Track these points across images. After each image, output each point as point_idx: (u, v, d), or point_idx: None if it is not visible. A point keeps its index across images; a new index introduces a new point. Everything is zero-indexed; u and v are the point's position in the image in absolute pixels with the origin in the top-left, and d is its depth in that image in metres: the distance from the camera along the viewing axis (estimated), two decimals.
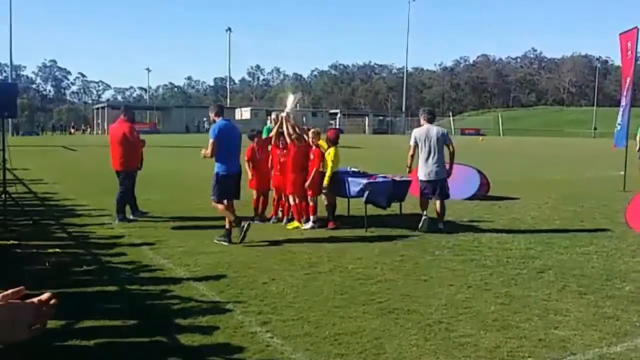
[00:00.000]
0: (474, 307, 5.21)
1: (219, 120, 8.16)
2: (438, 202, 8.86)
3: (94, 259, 7.06)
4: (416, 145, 8.90)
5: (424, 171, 8.86)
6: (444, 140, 8.86)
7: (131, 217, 9.77)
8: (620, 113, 14.92)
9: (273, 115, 10.47)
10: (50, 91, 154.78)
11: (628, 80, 14.66)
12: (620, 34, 14.89)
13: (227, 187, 8.02)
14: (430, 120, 9.14)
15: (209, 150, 7.92)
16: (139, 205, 10.10)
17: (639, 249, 7.63)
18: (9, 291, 1.25)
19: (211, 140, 7.92)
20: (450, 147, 8.91)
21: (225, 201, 8.07)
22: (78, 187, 10.25)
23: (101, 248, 7.60)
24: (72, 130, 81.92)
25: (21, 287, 1.25)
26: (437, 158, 8.80)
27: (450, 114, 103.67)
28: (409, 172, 9.31)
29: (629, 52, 14.53)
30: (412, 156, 9.01)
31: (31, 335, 1.23)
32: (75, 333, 4.52)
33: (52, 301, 1.28)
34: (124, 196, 9.68)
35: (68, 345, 4.32)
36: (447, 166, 8.92)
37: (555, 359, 4.12)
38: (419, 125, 9.27)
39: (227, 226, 7.96)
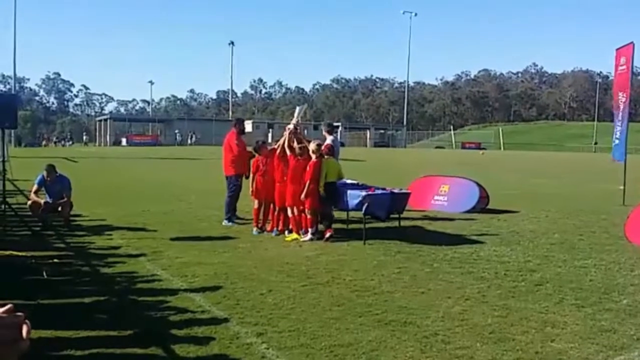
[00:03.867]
0: (471, 320, 5.20)
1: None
2: None
3: (92, 270, 7.06)
4: None
5: None
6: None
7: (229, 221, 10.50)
8: (618, 128, 14.94)
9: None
10: (53, 103, 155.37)
11: (623, 94, 14.70)
12: (617, 49, 14.97)
13: None
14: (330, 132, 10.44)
15: None
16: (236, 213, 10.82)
17: (637, 263, 7.61)
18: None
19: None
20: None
21: None
22: (77, 198, 10.25)
23: (99, 258, 7.60)
24: (45, 142, 74.10)
25: (10, 305, 1.21)
26: None
27: (452, 127, 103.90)
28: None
29: (623, 67, 14.59)
30: None
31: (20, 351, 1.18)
32: (71, 343, 4.51)
33: (7, 307, 1.20)
34: (231, 199, 10.59)
35: (62, 355, 4.31)
36: None
37: None
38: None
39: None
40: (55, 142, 76.54)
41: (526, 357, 4.34)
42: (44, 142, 72.63)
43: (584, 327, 5.04)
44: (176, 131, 73.59)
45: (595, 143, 76.87)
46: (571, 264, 7.53)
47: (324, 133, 10.74)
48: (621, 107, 14.78)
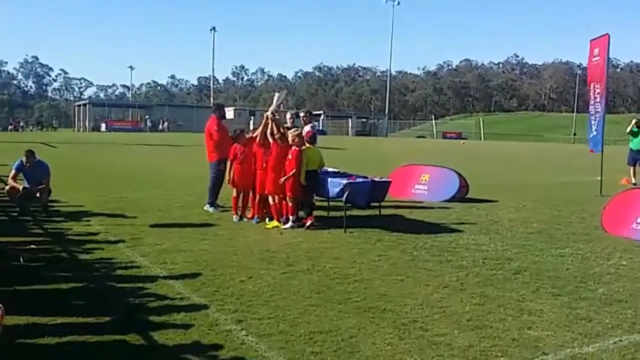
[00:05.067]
0: (449, 307, 5.25)
1: None
2: None
3: (70, 256, 6.99)
4: None
5: None
6: None
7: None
8: (595, 119, 15.06)
9: (288, 115, 10.65)
10: (31, 87, 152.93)
11: (598, 85, 14.83)
12: (591, 41, 15.09)
13: None
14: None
15: None
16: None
17: (613, 252, 7.73)
18: None
19: None
20: None
21: None
22: (56, 184, 10.14)
23: (77, 245, 7.52)
24: (12, 127, 69.00)
25: None
26: None
27: (433, 117, 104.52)
28: None
29: (596, 58, 14.72)
30: None
31: None
32: (47, 330, 4.46)
33: None
34: (214, 185, 10.61)
35: (38, 343, 4.26)
36: None
37: (528, 358, 4.15)
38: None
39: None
40: (22, 127, 73.65)
41: (503, 344, 4.39)
42: (10, 127, 69.18)
43: (560, 315, 5.11)
44: (147, 117, 72.95)
45: (574, 134, 77.77)
46: (548, 253, 7.63)
47: (301, 121, 10.71)
48: (597, 98, 14.91)
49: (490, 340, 4.47)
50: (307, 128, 9.99)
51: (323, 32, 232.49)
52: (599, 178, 14.44)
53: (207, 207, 10.44)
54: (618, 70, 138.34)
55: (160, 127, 69.70)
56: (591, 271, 6.71)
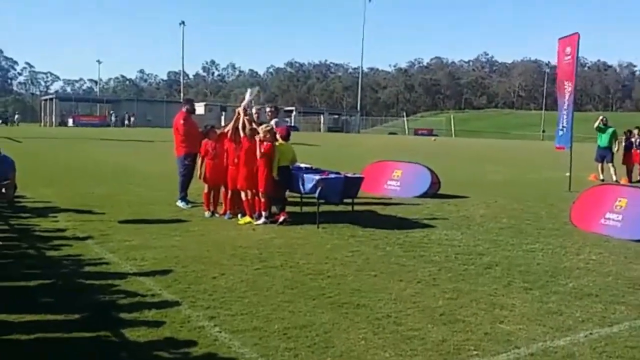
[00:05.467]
0: (422, 302, 5.26)
1: None
2: None
3: (38, 252, 6.82)
4: None
5: None
6: None
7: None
8: (565, 116, 15.28)
9: (268, 109, 10.77)
10: None
11: (568, 83, 15.06)
12: (560, 39, 15.32)
13: None
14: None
15: None
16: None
17: (583, 247, 7.86)
18: None
19: None
20: None
21: None
22: (22, 179, 9.88)
23: (44, 241, 7.35)
24: None
25: None
26: None
27: (404, 114, 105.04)
28: None
29: (568, 57, 14.94)
30: None
31: None
32: (15, 327, 4.35)
33: None
34: (184, 180, 10.46)
35: (6, 339, 4.15)
36: None
37: (500, 352, 4.18)
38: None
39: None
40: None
41: (475, 338, 4.42)
42: None
43: (532, 309, 5.16)
44: (111, 112, 71.88)
45: (543, 131, 79.02)
46: (519, 248, 7.72)
47: (267, 116, 10.63)
48: (566, 96, 15.14)
49: (463, 334, 4.49)
50: (271, 123, 9.89)
51: (294, 28, 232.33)
52: (568, 174, 14.68)
53: (178, 203, 10.31)
54: (585, 69, 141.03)
55: (127, 122, 68.69)
56: (561, 266, 6.80)
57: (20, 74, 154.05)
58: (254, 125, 9.21)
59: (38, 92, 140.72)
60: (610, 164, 18.06)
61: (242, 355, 4.00)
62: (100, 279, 5.77)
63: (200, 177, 9.79)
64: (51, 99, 75.73)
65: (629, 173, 18.47)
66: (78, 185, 12.88)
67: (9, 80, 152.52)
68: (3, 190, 9.40)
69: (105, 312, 4.80)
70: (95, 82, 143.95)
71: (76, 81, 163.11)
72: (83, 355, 4.05)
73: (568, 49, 14.89)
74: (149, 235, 7.81)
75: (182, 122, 10.52)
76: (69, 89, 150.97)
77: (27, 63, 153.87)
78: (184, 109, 10.83)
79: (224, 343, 4.19)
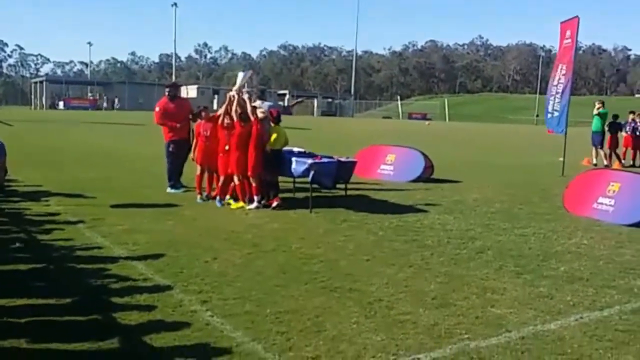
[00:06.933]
0: (414, 286, 5.27)
1: None
2: None
3: (29, 237, 6.79)
4: None
5: None
6: None
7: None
8: (555, 99, 15.18)
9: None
10: None
11: (564, 67, 15.01)
12: (562, 23, 15.28)
13: None
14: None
15: None
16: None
17: (574, 232, 7.89)
18: None
19: None
20: None
21: None
22: (12, 163, 9.82)
23: (36, 225, 7.31)
24: None
25: None
26: None
27: (399, 98, 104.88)
28: None
29: (568, 40, 14.90)
30: None
31: None
32: (6, 311, 4.33)
33: None
34: (170, 166, 10.36)
35: None
36: None
37: (492, 336, 4.20)
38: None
39: None
40: None
41: (467, 321, 4.44)
42: None
43: (523, 293, 5.19)
44: (103, 95, 71.36)
45: (537, 115, 79.04)
46: (511, 232, 7.74)
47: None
48: (562, 79, 15.08)
49: (455, 318, 4.51)
50: (260, 105, 9.73)
51: (288, 11, 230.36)
52: (562, 159, 14.70)
53: (169, 190, 10.22)
54: (580, 52, 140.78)
55: (113, 105, 68.23)
56: (553, 250, 6.83)
57: (10, 56, 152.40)
58: (248, 108, 9.14)
59: (28, 75, 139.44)
60: (601, 149, 18.12)
61: (234, 340, 3.99)
62: (92, 263, 5.75)
63: (192, 159, 9.74)
64: (41, 82, 75.15)
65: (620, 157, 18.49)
66: (69, 169, 12.81)
67: None
68: None
69: (97, 297, 4.79)
70: (86, 64, 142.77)
71: (67, 63, 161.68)
72: (75, 338, 4.03)
73: (568, 32, 14.86)
74: (140, 220, 7.79)
75: (157, 109, 10.36)
76: (59, 72, 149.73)
77: (17, 45, 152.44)
78: (165, 95, 10.62)
79: (216, 327, 4.19)
